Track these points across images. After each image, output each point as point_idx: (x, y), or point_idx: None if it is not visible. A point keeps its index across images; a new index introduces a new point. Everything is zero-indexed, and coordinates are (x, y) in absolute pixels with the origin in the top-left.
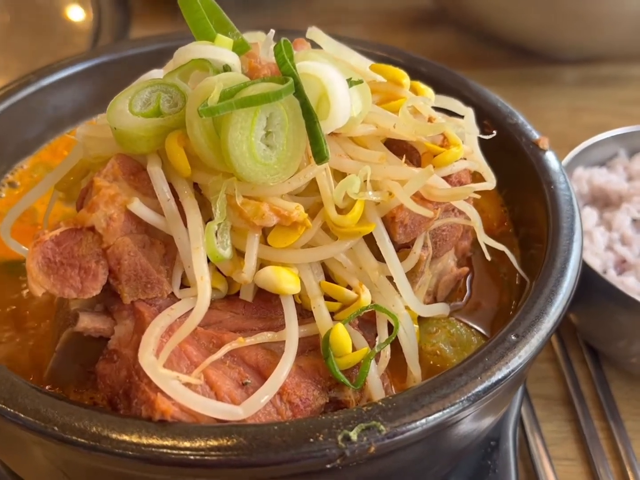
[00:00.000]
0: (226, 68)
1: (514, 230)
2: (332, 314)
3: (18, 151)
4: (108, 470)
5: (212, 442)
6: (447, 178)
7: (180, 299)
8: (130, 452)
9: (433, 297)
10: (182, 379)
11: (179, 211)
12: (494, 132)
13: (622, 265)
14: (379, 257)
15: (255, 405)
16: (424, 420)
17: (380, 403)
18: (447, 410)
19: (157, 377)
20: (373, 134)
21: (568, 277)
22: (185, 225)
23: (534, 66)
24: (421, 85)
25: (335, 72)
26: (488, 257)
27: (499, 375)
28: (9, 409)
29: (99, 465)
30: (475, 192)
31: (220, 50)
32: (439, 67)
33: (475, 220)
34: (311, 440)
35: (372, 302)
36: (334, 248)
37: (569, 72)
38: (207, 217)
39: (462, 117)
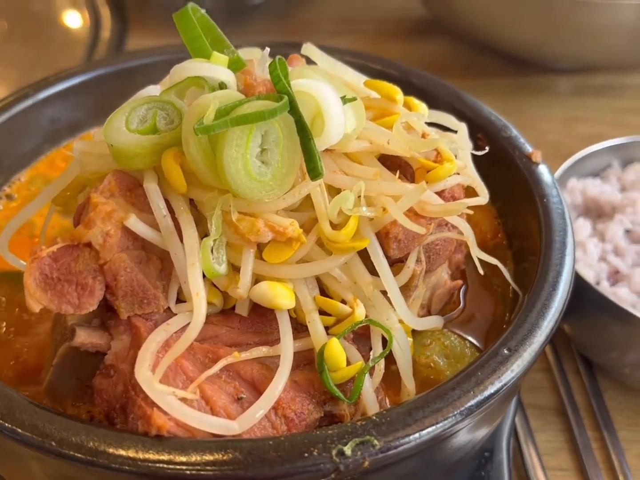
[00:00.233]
0: (222, 85)
1: (507, 242)
2: (326, 328)
3: (15, 164)
4: None
5: (208, 457)
6: (440, 193)
7: (176, 314)
8: (127, 467)
9: (427, 310)
10: (178, 394)
11: (175, 227)
12: (487, 147)
13: (615, 276)
14: (373, 271)
15: (250, 420)
16: (417, 435)
17: (374, 417)
18: (441, 424)
19: (153, 392)
20: (367, 150)
21: (560, 291)
22: (182, 240)
23: (529, 76)
24: (415, 101)
25: (329, 89)
26: (481, 271)
27: (491, 389)
28: (6, 424)
29: None
30: (469, 206)
31: (215, 67)
32: (434, 79)
33: (468, 235)
34: (306, 455)
35: (366, 316)
36: (328, 263)
37: (563, 82)
38: (203, 233)
39: (455, 132)
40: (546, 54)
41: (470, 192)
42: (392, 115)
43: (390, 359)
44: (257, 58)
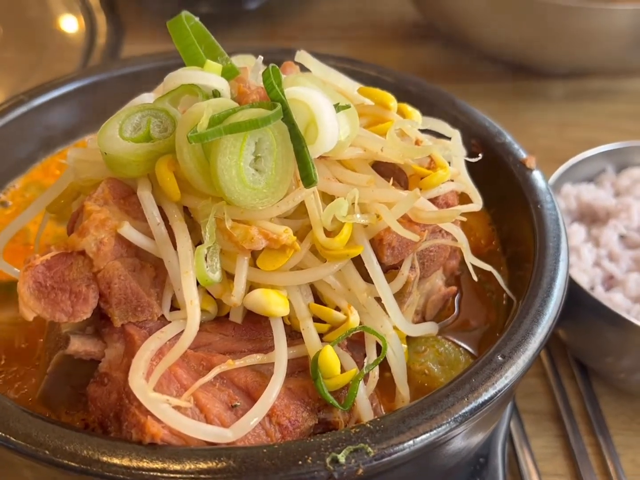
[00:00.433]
0: (215, 93)
1: (501, 249)
2: (321, 335)
3: (10, 171)
4: None
5: (202, 465)
6: (434, 200)
7: (170, 322)
8: (120, 476)
9: (422, 317)
10: (172, 402)
11: (169, 235)
12: (481, 154)
13: (610, 282)
14: (367, 278)
15: (244, 428)
16: (411, 442)
17: (368, 425)
18: (435, 431)
19: (147, 400)
20: (361, 157)
21: (554, 297)
22: (176, 248)
23: (524, 80)
24: (408, 108)
25: (322, 97)
26: (475, 278)
27: (485, 396)
28: (0, 433)
29: None
30: (462, 213)
31: (209, 75)
32: (428, 86)
33: (462, 241)
34: (300, 462)
35: (360, 323)
36: (322, 270)
37: (558, 87)
38: (197, 241)
39: (449, 138)
40: (541, 59)
41: (464, 198)
42: (386, 123)
43: (384, 366)
44: (251, 65)
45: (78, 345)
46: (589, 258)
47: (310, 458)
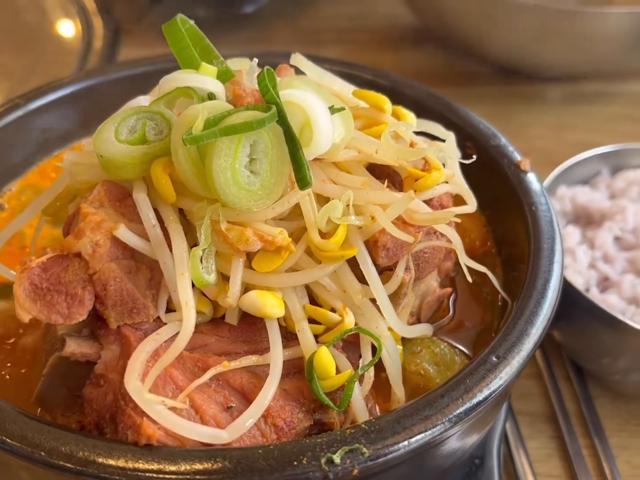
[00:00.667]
0: (210, 96)
1: (496, 250)
2: (316, 336)
3: (6, 174)
4: None
5: (198, 466)
6: (428, 201)
7: (166, 323)
8: (116, 477)
9: (417, 318)
10: (167, 403)
11: (165, 237)
12: (475, 156)
13: (605, 283)
14: (362, 280)
15: (240, 429)
16: (406, 442)
17: (363, 426)
18: (430, 431)
19: (142, 402)
20: (356, 159)
21: (548, 299)
22: (171, 250)
23: (520, 83)
24: (403, 111)
25: (317, 100)
26: (469, 279)
27: (480, 397)
28: None
29: None
30: (457, 215)
31: (204, 78)
32: (423, 88)
33: (457, 243)
34: (295, 463)
35: (355, 324)
36: (317, 272)
37: (554, 90)
38: (192, 242)
39: (444, 140)
40: (536, 63)
41: (458, 200)
42: (381, 125)
43: (380, 367)
44: (246, 68)
45: (74, 347)
46: (584, 260)
47: (305, 459)
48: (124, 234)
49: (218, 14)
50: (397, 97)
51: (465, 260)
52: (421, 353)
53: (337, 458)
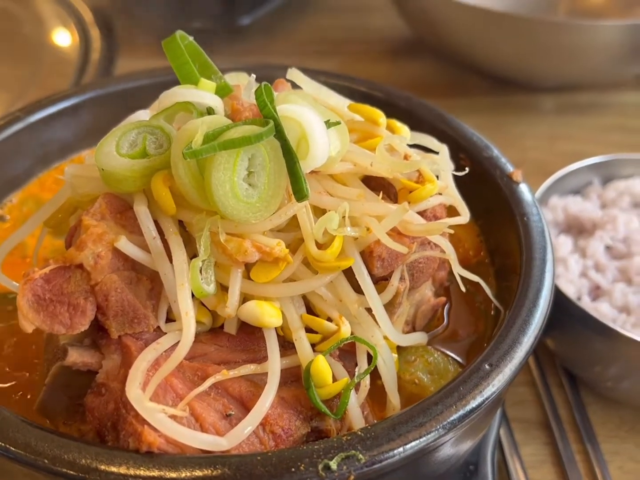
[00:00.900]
0: (209, 110)
1: (490, 260)
2: (313, 345)
3: (7, 186)
4: None
5: (197, 473)
6: (422, 213)
7: (166, 333)
8: None
9: (412, 327)
10: (168, 411)
11: (165, 248)
12: (468, 168)
13: (596, 292)
14: (358, 289)
15: (239, 436)
16: (401, 449)
17: (359, 432)
18: (424, 438)
19: (144, 410)
20: (351, 171)
21: (540, 308)
22: (171, 261)
23: (513, 94)
24: (397, 124)
25: (313, 114)
26: (463, 289)
27: (473, 404)
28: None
29: None
30: (450, 225)
31: (203, 93)
32: (417, 101)
33: (450, 253)
34: (293, 469)
35: (351, 333)
36: (314, 282)
37: (547, 100)
38: (192, 253)
39: (437, 153)
40: (529, 74)
41: (452, 211)
42: (376, 138)
43: (375, 375)
44: (244, 83)
45: (76, 357)
46: (575, 269)
47: (303, 465)
48: (125, 245)
49: (214, 26)
50: (392, 109)
51: (458, 270)
52: (415, 362)
53: (334, 464)
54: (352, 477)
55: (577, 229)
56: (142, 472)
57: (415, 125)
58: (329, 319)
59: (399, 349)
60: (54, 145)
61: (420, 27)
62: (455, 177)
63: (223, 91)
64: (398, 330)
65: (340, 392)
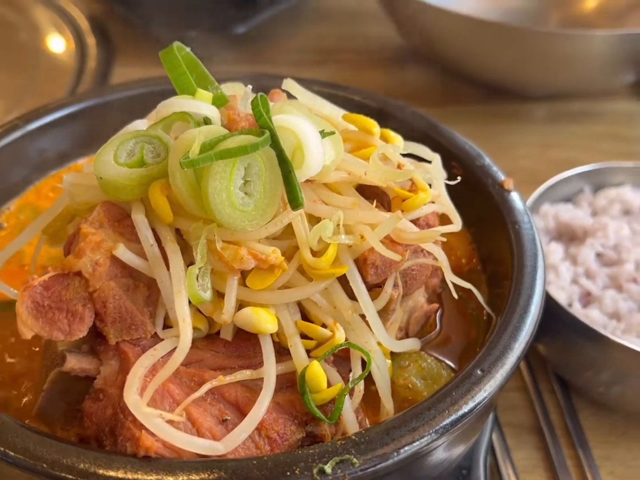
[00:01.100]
0: (206, 120)
1: (482, 267)
2: (308, 351)
3: (4, 193)
4: None
5: (194, 477)
6: (415, 221)
7: (163, 339)
8: None
9: (405, 333)
10: (165, 416)
11: (162, 256)
12: (460, 177)
13: (587, 298)
14: (352, 296)
15: (235, 441)
16: (395, 453)
17: (354, 437)
18: (417, 442)
19: (141, 415)
20: (345, 180)
21: (531, 314)
22: (168, 269)
23: (505, 103)
24: (391, 133)
25: (308, 124)
26: (455, 296)
27: (465, 409)
28: None
29: None
30: (443, 233)
31: (200, 104)
32: (411, 110)
33: (442, 260)
34: (288, 473)
35: (346, 339)
36: (309, 289)
37: (539, 109)
38: (189, 261)
39: (430, 162)
40: (521, 83)
41: (444, 219)
42: (369, 147)
43: (369, 380)
44: (240, 93)
45: (74, 363)
46: (566, 276)
47: (298, 469)
48: (123, 253)
49: (210, 34)
50: (385, 118)
51: (451, 278)
52: (409, 367)
53: (328, 468)
54: None
55: (568, 237)
56: (139, 477)
57: (408, 133)
58: (324, 325)
59: (393, 354)
60: (51, 154)
61: (414, 37)
62: (448, 186)
63: (219, 101)
64: (391, 336)
65: (335, 397)
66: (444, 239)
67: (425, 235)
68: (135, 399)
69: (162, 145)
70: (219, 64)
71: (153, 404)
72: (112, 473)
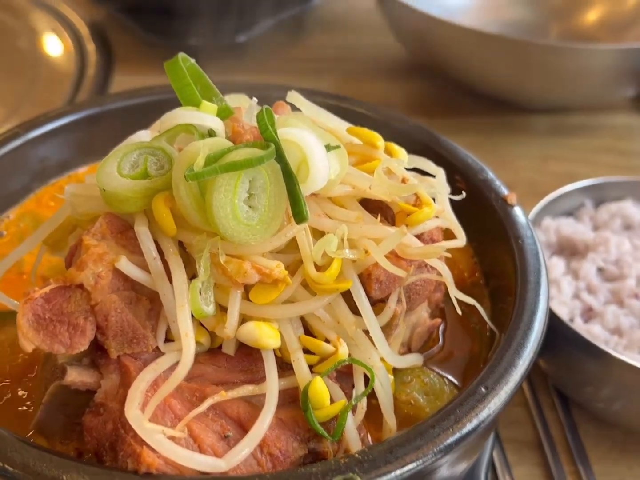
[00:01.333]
0: (211, 132)
1: (484, 281)
2: (310, 366)
3: (4, 202)
4: None
5: None
6: (420, 236)
7: (164, 353)
8: None
9: (407, 348)
10: (167, 432)
11: (165, 269)
12: (464, 193)
13: (589, 314)
14: (356, 311)
15: (236, 458)
16: (398, 471)
17: (357, 455)
18: (421, 461)
19: (142, 431)
20: (350, 194)
21: (535, 331)
22: (171, 282)
23: (506, 115)
24: (395, 147)
25: (313, 138)
26: (459, 312)
27: (469, 427)
28: None
29: None
30: (447, 249)
31: (204, 116)
32: (414, 123)
33: (447, 276)
34: None
35: (349, 355)
36: (313, 304)
37: (539, 121)
38: (192, 274)
39: (434, 176)
40: (522, 95)
41: (448, 234)
42: (374, 161)
43: (371, 394)
44: (244, 105)
45: (75, 376)
46: (568, 290)
47: None
48: (126, 266)
49: (211, 43)
50: (388, 131)
51: (455, 293)
52: (411, 383)
53: None
54: None
55: (570, 251)
56: None
57: (411, 147)
58: (327, 340)
59: (395, 370)
60: (52, 162)
61: (415, 48)
62: (451, 200)
63: (224, 113)
64: (394, 351)
65: (338, 414)
66: (449, 255)
67: (430, 250)
68: (136, 414)
69: (166, 157)
70: (219, 72)
71: (154, 420)
72: None
